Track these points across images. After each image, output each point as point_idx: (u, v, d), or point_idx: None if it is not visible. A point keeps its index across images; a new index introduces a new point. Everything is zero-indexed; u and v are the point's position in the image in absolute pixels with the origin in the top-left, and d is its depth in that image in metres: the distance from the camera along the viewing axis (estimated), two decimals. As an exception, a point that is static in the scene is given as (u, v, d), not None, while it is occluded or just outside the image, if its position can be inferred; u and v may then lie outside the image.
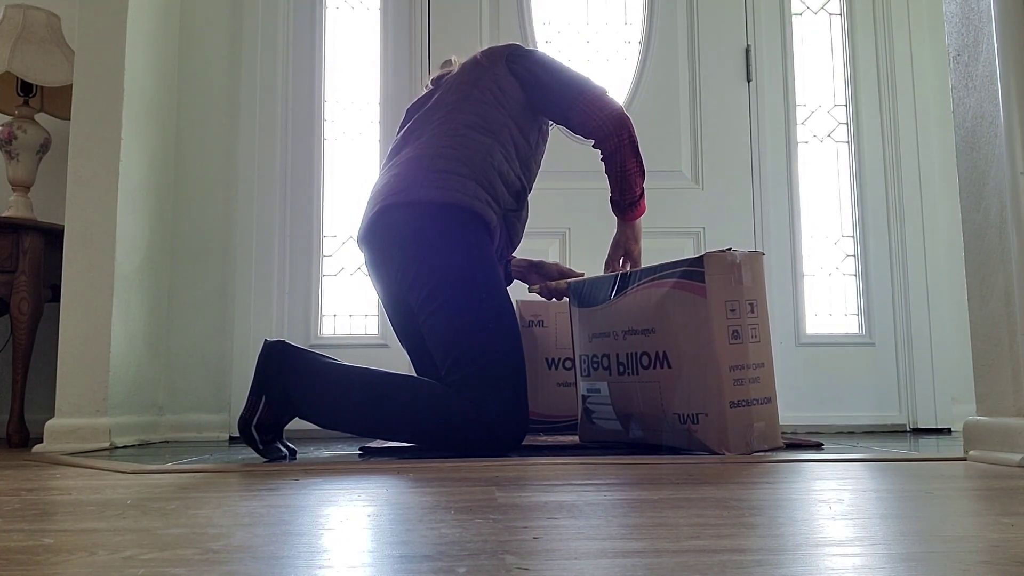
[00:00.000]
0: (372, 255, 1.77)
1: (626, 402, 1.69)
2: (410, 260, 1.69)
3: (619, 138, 1.78)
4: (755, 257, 1.63)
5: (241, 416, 1.61)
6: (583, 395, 1.79)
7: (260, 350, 1.65)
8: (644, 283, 1.66)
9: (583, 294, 1.80)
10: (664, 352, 1.61)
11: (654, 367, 1.63)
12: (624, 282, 1.71)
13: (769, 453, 1.58)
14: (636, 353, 1.66)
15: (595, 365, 1.76)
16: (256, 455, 1.66)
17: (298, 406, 1.63)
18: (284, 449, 1.66)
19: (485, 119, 1.78)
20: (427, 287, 1.67)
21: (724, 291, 1.57)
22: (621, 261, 1.87)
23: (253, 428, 1.60)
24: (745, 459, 1.47)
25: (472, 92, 1.81)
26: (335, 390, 1.63)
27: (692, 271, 1.58)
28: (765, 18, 2.74)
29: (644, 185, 1.83)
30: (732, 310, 1.56)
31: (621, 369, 1.69)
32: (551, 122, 1.93)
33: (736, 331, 1.56)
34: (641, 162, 1.80)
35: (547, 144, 1.96)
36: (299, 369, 1.63)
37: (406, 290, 1.72)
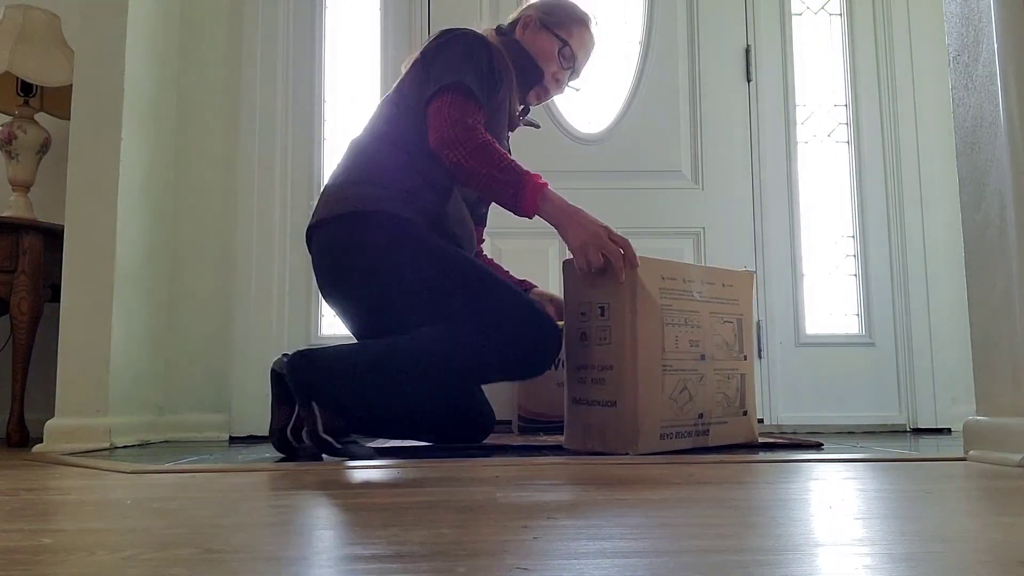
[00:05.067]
0: None
1: None
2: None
3: (457, 154, 1.62)
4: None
5: (312, 430, 1.53)
6: None
7: (286, 364, 1.56)
8: None
9: None
10: None
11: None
12: None
13: (763, 453, 1.58)
14: None
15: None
16: (259, 456, 1.66)
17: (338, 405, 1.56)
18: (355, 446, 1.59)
19: (393, 128, 1.77)
20: (368, 303, 1.71)
21: (577, 295, 1.64)
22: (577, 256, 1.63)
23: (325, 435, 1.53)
24: (746, 459, 1.47)
25: (392, 110, 1.80)
26: (348, 372, 1.56)
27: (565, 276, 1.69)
28: (765, 18, 2.74)
29: (521, 176, 1.60)
30: (583, 313, 1.63)
31: None
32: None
33: (584, 333, 1.62)
34: (496, 164, 1.61)
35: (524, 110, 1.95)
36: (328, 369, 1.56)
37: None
